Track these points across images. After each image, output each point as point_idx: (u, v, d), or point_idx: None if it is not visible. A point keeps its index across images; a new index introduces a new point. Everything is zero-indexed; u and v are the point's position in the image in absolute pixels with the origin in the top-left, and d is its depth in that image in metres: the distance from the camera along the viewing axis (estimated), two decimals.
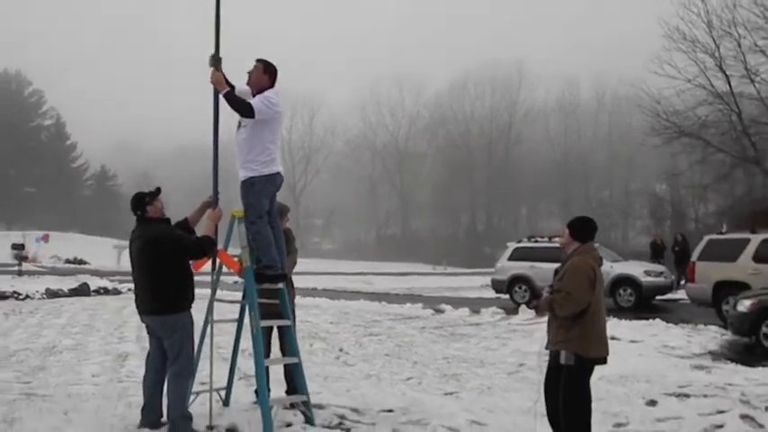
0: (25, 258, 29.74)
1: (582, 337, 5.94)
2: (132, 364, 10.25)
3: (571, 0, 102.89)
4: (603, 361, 6.12)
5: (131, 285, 22.10)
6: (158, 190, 6.91)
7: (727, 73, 29.84)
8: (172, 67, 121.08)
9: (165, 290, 6.47)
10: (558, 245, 19.76)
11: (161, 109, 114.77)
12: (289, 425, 6.80)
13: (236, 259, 7.05)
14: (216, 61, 6.85)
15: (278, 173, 6.94)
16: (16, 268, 27.97)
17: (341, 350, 12.05)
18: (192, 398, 6.94)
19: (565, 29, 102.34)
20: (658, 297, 19.78)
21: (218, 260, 7.02)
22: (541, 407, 6.20)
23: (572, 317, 5.95)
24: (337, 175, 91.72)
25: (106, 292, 24.18)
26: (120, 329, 14.46)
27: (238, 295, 7.45)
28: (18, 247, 28.58)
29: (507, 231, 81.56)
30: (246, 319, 6.99)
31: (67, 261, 44.15)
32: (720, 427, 6.99)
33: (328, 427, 6.88)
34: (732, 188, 37.00)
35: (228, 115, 7.11)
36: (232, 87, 6.91)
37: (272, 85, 6.94)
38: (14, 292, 21.73)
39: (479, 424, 7.06)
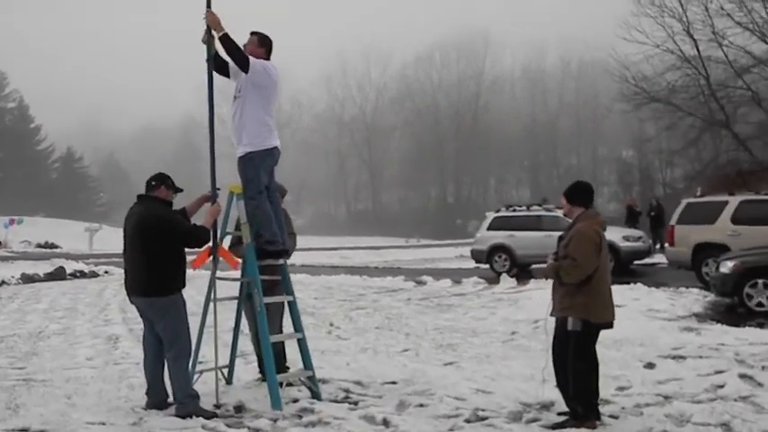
0: None
1: (588, 303, 5.99)
2: (125, 345, 10.19)
3: None
4: (610, 325, 6.18)
5: (108, 268, 21.95)
6: (181, 190, 6.81)
7: (695, 37, 30.01)
8: (136, 45, 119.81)
9: (156, 271, 6.35)
10: (536, 213, 20.10)
11: (125, 89, 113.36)
12: (296, 400, 6.78)
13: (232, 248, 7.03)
14: (208, 34, 6.73)
15: (276, 147, 6.88)
16: None
17: (331, 324, 12.04)
18: (195, 377, 6.91)
19: None
20: (636, 262, 19.97)
21: (219, 205, 6.93)
22: (549, 373, 6.24)
23: (577, 283, 5.98)
24: (306, 151, 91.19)
25: (83, 275, 23.91)
26: (105, 312, 14.33)
27: (237, 273, 7.36)
28: None
29: (477, 202, 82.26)
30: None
31: (38, 245, 43.37)
32: (721, 386, 7.08)
33: (336, 401, 6.87)
34: (699, 153, 37.36)
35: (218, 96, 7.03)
36: (226, 65, 6.85)
37: (267, 57, 6.87)
38: None
39: (484, 392, 7.10)
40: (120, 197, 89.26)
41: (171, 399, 6.52)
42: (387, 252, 40.52)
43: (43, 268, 24.03)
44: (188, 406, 6.32)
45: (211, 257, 6.91)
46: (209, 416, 6.28)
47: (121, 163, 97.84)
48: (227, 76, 7.00)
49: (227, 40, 6.49)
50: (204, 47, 6.77)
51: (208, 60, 6.81)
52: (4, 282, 21.27)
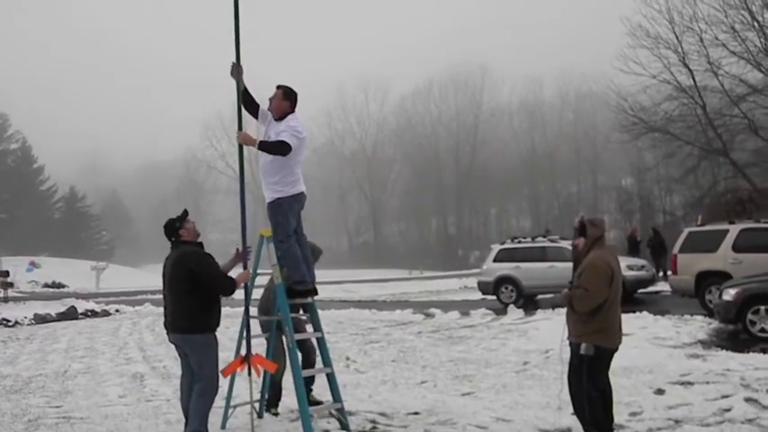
0: (11, 285, 29.67)
1: (600, 330, 6.38)
2: (152, 383, 10.55)
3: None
4: (617, 349, 6.56)
5: (118, 306, 22.43)
6: (185, 212, 7.19)
7: (691, 67, 30.68)
8: (134, 84, 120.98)
9: (192, 309, 6.73)
10: (541, 244, 20.51)
11: (125, 128, 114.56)
12: None
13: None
14: (237, 70, 7.17)
15: (302, 192, 7.29)
16: (2, 295, 27.92)
17: (348, 359, 12.39)
18: (230, 411, 7.30)
19: (526, 28, 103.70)
20: (640, 290, 20.29)
21: (249, 272, 7.32)
22: (565, 397, 6.60)
23: (589, 311, 6.37)
24: (306, 185, 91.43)
25: (95, 314, 24.24)
26: (124, 351, 14.68)
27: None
28: (3, 274, 28.56)
29: (478, 233, 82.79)
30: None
31: (46, 285, 43.87)
32: (728, 410, 7.46)
33: None
34: (698, 180, 37.88)
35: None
36: (256, 106, 7.32)
37: (292, 109, 7.25)
38: (3, 319, 21.70)
39: (504, 420, 7.47)
40: (123, 235, 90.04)
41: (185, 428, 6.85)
42: (391, 285, 40.88)
43: (55, 308, 24.38)
44: None
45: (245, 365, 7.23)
46: None
47: (124, 200, 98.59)
48: (256, 116, 7.44)
49: (264, 145, 6.96)
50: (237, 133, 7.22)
51: (238, 101, 7.28)
52: (17, 322, 21.59)
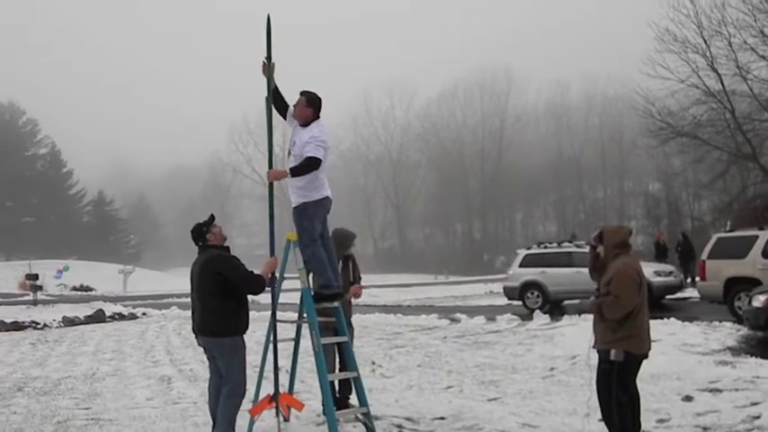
0: (40, 288, 30.07)
1: (629, 336, 6.35)
2: (179, 385, 10.62)
3: (558, 3, 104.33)
4: (645, 356, 6.52)
5: (145, 310, 22.64)
6: (212, 217, 7.24)
7: (719, 72, 30.25)
8: (161, 88, 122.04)
9: (221, 312, 6.77)
10: (567, 250, 20.39)
11: (151, 133, 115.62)
12: None
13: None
14: (267, 67, 7.30)
15: (327, 197, 7.33)
16: (31, 297, 28.30)
17: (373, 363, 12.40)
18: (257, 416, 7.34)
19: (552, 32, 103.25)
20: (669, 296, 20.13)
21: (276, 277, 7.33)
22: (593, 403, 6.56)
23: (619, 318, 6.34)
24: (331, 189, 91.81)
25: (122, 317, 24.46)
26: (151, 354, 14.79)
27: (294, 315, 7.82)
28: (32, 277, 28.97)
29: (504, 237, 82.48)
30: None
31: (74, 288, 44.42)
32: (757, 417, 7.38)
33: None
34: (726, 186, 37.44)
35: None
36: (285, 107, 7.44)
37: (315, 116, 7.27)
38: (32, 321, 21.94)
39: (531, 426, 7.45)
40: (150, 239, 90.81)
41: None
42: (416, 289, 40.84)
43: (83, 311, 24.64)
44: None
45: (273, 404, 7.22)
46: None
47: (152, 204, 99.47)
48: (284, 117, 7.52)
49: (296, 171, 7.03)
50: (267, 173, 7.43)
51: (268, 99, 7.37)
52: (46, 325, 21.81)
